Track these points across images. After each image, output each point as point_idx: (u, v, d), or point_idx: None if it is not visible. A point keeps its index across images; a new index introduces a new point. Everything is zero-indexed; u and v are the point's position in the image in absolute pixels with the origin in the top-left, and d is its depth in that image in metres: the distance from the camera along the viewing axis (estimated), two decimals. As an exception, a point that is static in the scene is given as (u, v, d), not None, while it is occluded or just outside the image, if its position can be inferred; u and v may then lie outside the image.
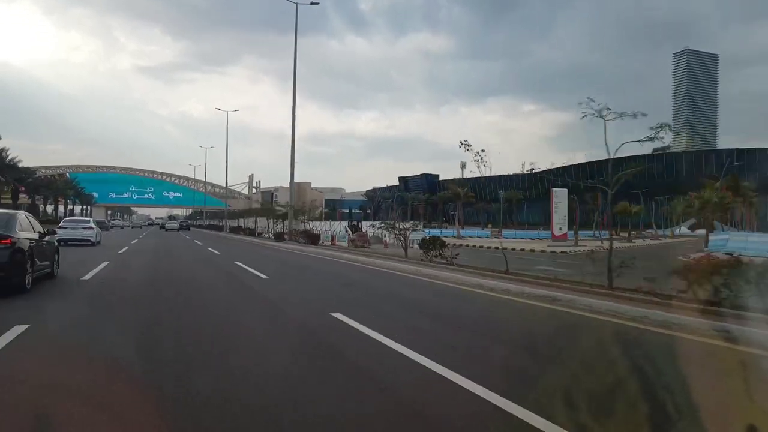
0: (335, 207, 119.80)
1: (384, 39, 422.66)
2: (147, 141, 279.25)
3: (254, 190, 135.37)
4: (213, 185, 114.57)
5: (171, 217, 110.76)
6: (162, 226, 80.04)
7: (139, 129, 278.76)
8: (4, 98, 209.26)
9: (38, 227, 10.81)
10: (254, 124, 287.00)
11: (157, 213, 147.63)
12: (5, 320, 6.13)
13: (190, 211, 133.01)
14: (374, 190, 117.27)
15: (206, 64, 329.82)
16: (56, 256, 11.66)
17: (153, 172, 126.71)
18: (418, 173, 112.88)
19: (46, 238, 10.89)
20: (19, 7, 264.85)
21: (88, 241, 25.51)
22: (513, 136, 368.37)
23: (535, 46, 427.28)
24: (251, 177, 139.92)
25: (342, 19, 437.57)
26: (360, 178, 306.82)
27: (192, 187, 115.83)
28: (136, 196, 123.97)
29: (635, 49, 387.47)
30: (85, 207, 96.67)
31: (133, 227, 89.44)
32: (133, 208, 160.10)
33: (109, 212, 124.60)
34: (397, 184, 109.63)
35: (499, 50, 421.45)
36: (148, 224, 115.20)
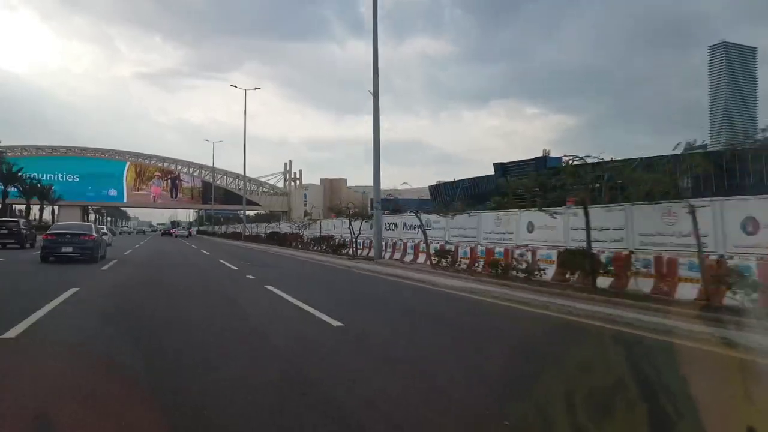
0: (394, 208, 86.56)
1: (384, 43, 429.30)
2: (148, 147, 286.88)
3: (292, 185, 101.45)
4: (238, 176, 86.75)
5: (174, 223, 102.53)
6: (165, 233, 78.40)
7: (140, 137, 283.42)
8: (5, 106, 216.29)
9: (98, 230, 20.45)
10: (256, 130, 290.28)
11: (158, 216, 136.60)
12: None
13: (199, 213, 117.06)
14: (438, 186, 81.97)
15: (207, 71, 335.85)
16: (107, 247, 21.37)
17: (150, 156, 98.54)
18: (521, 159, 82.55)
19: (102, 237, 20.46)
20: (21, 15, 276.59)
21: None
22: (515, 138, 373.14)
23: (540, 47, 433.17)
24: (288, 165, 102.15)
25: (343, 23, 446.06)
26: (362, 184, 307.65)
27: (207, 178, 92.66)
28: (129, 191, 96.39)
29: (641, 50, 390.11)
30: (30, 200, 59.71)
31: (137, 233, 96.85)
32: (130, 212, 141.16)
33: (95, 217, 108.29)
34: (491, 174, 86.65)
35: (505, 53, 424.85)
36: (152, 230, 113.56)
